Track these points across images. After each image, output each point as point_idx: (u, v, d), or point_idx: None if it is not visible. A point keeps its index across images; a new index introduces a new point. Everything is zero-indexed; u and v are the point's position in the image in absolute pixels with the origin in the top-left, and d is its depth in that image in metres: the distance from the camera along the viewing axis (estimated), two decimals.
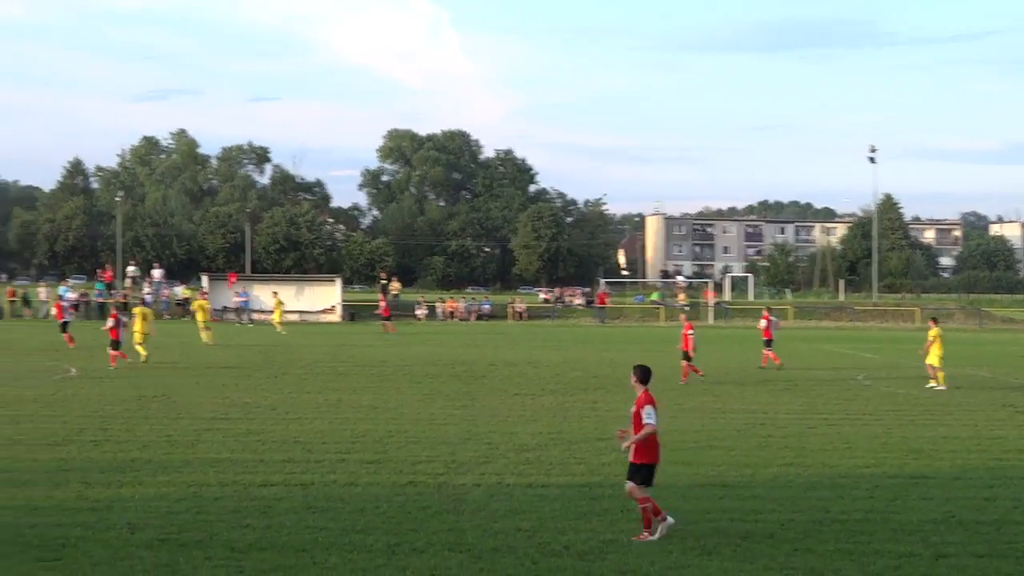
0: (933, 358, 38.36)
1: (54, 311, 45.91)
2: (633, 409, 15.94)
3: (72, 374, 37.90)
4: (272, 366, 42.43)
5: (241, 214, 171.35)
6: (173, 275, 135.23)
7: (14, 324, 72.82)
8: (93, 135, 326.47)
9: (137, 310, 45.43)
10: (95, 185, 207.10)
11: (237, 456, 21.92)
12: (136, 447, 22.65)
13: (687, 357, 38.91)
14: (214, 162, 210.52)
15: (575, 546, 15.24)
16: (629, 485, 15.89)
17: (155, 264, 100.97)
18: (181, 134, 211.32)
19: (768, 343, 45.40)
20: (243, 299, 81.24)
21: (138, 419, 26.81)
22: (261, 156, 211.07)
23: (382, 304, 77.23)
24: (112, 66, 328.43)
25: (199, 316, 58.40)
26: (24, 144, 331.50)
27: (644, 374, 16.24)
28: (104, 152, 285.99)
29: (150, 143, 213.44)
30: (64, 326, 51.17)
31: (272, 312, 71.33)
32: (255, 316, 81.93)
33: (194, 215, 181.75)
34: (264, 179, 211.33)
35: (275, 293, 74.06)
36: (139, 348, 42.45)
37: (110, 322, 42.40)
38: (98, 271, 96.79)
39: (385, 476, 20.07)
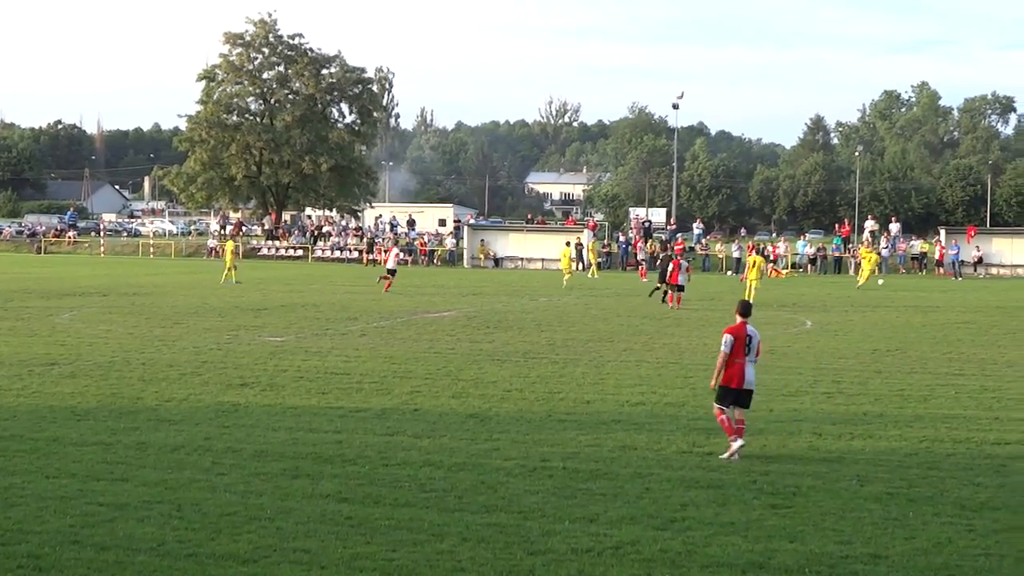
0: None
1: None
2: None
3: (807, 327, 38.62)
4: (1010, 322, 40.96)
5: (983, 166, 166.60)
6: (910, 229, 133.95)
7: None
8: (835, 91, 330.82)
9: None
10: (835, 140, 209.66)
11: (971, 413, 21.49)
12: (868, 400, 22.76)
13: None
14: (956, 114, 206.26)
15: None
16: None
17: (892, 218, 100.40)
18: (923, 86, 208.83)
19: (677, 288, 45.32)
20: (954, 252, 78.84)
21: (871, 373, 26.89)
22: (1005, 106, 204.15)
23: None
24: (860, 21, 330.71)
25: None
26: (767, 103, 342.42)
27: (739, 308, 17.94)
28: (845, 107, 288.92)
29: (890, 96, 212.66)
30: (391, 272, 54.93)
31: None
32: (992, 271, 79.82)
33: (933, 168, 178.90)
34: (1008, 129, 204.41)
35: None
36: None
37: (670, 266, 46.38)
38: (836, 226, 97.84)
39: None
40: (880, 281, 63.76)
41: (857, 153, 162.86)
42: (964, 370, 27.57)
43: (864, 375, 26.53)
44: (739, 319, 17.68)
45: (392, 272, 54.75)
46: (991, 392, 24.01)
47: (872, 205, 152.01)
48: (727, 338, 17.39)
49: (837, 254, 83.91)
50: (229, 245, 65.13)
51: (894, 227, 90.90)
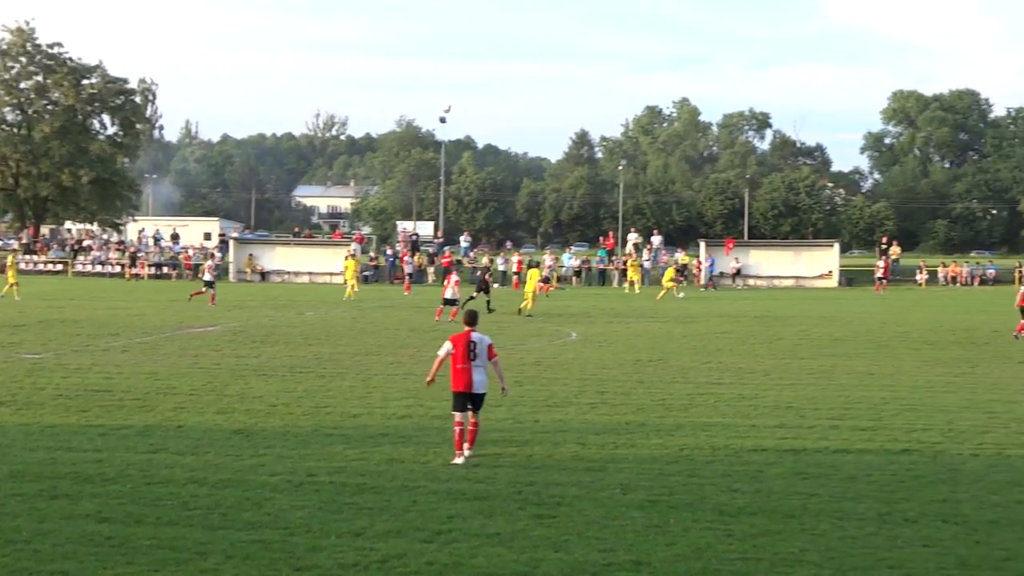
0: None
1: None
2: None
3: (572, 338, 39.20)
4: (766, 331, 42.33)
5: (740, 180, 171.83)
6: (672, 241, 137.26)
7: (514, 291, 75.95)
8: (599, 106, 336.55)
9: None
10: (599, 155, 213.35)
11: (729, 420, 22.07)
12: (631, 410, 23.19)
13: None
14: (715, 129, 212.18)
15: None
16: None
17: (654, 231, 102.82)
18: (683, 102, 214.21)
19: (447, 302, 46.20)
20: (709, 264, 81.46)
21: (634, 383, 27.44)
22: (762, 122, 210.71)
23: (882, 266, 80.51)
24: (619, 37, 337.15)
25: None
26: (533, 117, 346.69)
27: (465, 317, 18.90)
28: (609, 122, 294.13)
29: (652, 112, 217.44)
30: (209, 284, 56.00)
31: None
32: (750, 282, 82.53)
33: (694, 182, 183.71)
34: (764, 145, 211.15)
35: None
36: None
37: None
38: (600, 238, 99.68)
39: (878, 443, 19.69)
40: (681, 295, 64.28)
41: (621, 167, 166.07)
42: (723, 379, 28.36)
43: (627, 385, 27.04)
44: (465, 327, 18.41)
45: (209, 284, 55.51)
46: (748, 400, 24.73)
47: (635, 218, 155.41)
48: (446, 344, 18.29)
49: (601, 266, 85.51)
50: (10, 259, 63.15)
51: (656, 240, 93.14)
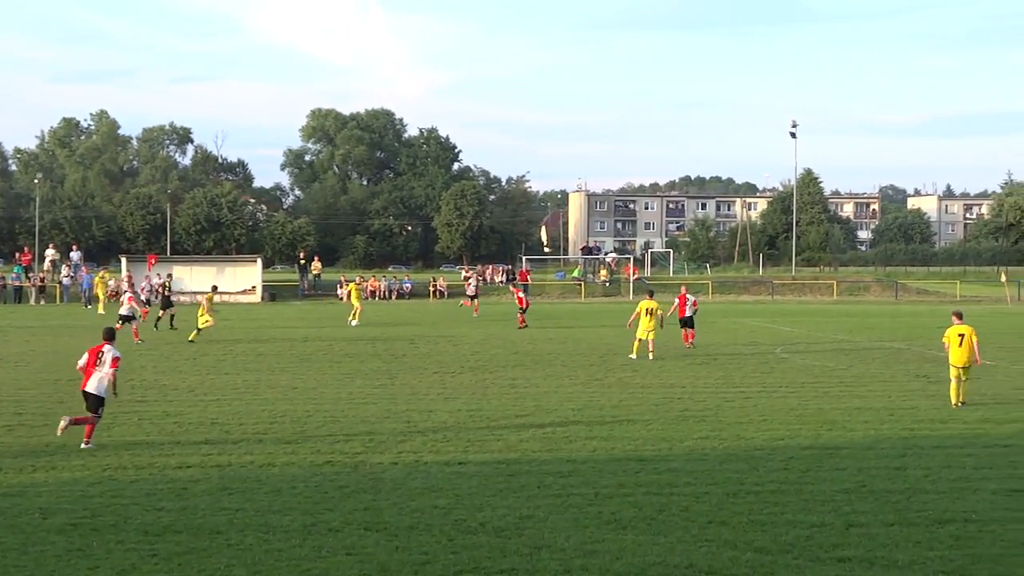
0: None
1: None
2: None
3: None
4: (191, 348, 42.12)
5: (162, 195, 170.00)
6: (92, 257, 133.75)
7: None
8: (12, 116, 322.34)
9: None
10: (13, 167, 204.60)
11: (153, 439, 21.82)
12: (50, 431, 22.38)
13: (684, 324, 42.89)
14: (135, 143, 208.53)
15: (491, 522, 15.36)
16: None
17: (74, 246, 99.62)
18: (102, 115, 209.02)
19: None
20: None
21: (53, 403, 26.53)
22: (183, 137, 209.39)
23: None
24: (34, 46, 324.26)
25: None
26: None
27: (105, 333, 21.85)
28: (23, 134, 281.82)
29: (70, 124, 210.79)
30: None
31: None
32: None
33: (114, 197, 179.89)
34: (186, 160, 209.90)
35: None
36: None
37: None
38: (16, 254, 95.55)
39: (303, 456, 20.08)
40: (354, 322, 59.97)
41: (37, 180, 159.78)
42: (146, 396, 27.98)
43: (47, 406, 26.12)
44: (103, 341, 21.40)
45: None
46: (173, 417, 24.53)
47: (53, 233, 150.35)
48: (84, 355, 21.48)
49: (17, 283, 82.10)
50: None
51: (75, 255, 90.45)
